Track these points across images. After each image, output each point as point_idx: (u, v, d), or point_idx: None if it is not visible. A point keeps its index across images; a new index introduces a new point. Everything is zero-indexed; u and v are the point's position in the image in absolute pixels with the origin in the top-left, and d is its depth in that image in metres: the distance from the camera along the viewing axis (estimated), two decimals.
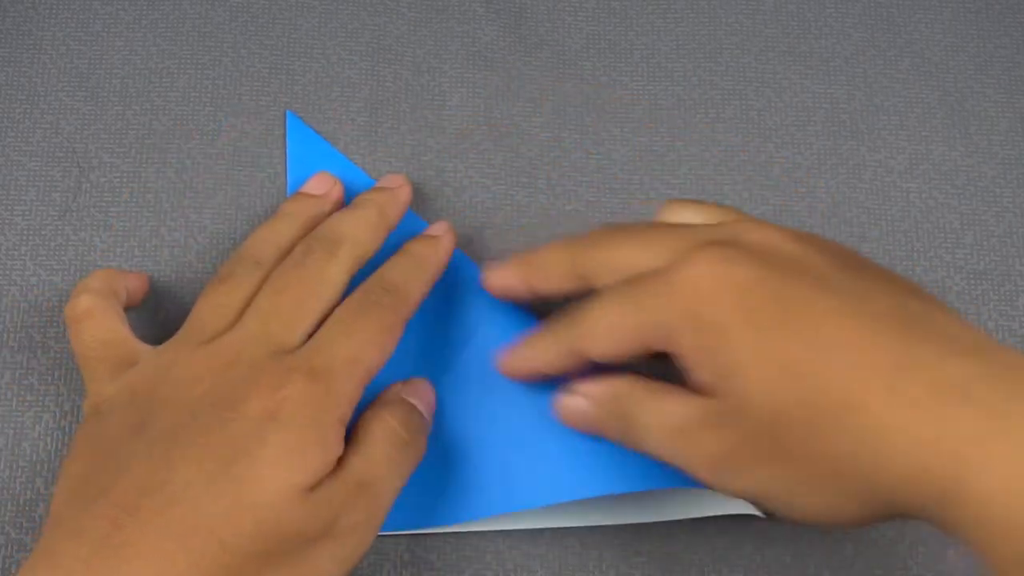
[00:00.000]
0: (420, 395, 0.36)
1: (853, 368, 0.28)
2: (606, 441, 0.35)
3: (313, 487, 0.31)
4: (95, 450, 0.32)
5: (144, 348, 0.35)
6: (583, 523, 0.37)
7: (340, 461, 0.32)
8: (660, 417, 0.32)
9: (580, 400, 0.34)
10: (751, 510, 0.37)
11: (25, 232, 0.41)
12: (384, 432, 0.34)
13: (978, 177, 0.43)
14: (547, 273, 0.36)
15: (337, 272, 0.36)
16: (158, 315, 0.40)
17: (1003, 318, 0.40)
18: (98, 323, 0.35)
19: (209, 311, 0.35)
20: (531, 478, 0.37)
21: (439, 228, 0.39)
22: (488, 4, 0.45)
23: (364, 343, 0.34)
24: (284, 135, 0.42)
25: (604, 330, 0.32)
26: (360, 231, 0.37)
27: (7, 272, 0.40)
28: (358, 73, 0.44)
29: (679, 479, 0.35)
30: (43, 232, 0.41)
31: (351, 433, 0.34)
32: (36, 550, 0.31)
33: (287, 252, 0.37)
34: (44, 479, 0.37)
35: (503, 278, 0.37)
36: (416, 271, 0.37)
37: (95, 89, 0.43)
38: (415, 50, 0.44)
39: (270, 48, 0.44)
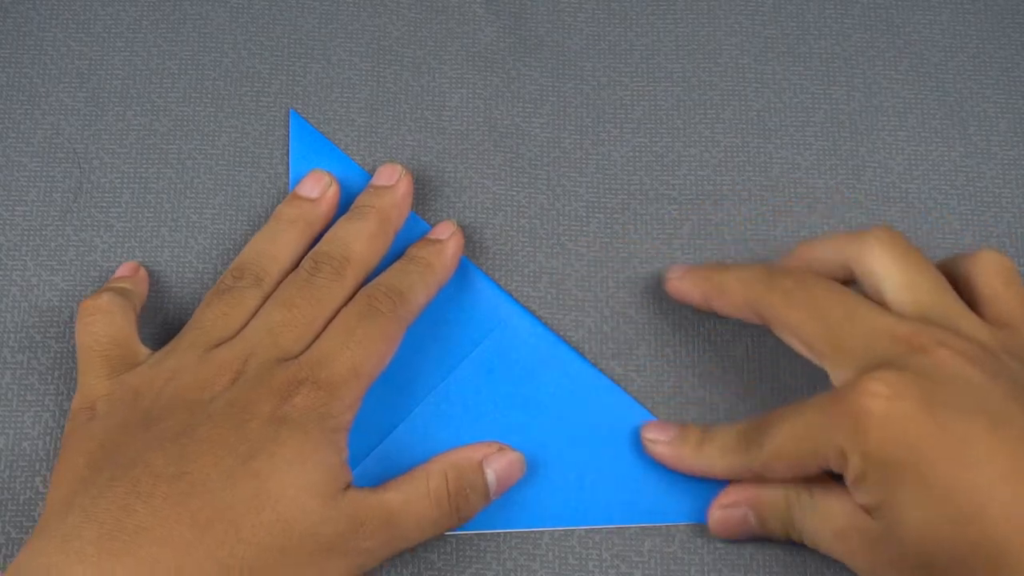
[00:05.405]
0: (501, 469, 0.36)
1: (1010, 512, 0.29)
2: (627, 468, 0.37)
3: (335, 493, 0.32)
4: (101, 445, 0.32)
5: (145, 352, 0.36)
6: (583, 523, 0.37)
7: (386, 486, 0.33)
8: (822, 520, 0.33)
9: (743, 512, 0.35)
10: None
11: (26, 232, 0.41)
12: (436, 490, 0.34)
13: (977, 177, 0.43)
14: (729, 300, 0.36)
15: (342, 289, 0.36)
16: (158, 315, 0.40)
17: None
18: (112, 320, 0.36)
19: (212, 320, 0.36)
20: (537, 497, 0.37)
21: (445, 230, 0.39)
22: (488, 4, 0.45)
23: (365, 353, 0.34)
24: (285, 135, 0.42)
25: (785, 462, 0.33)
26: (365, 247, 0.37)
27: (8, 272, 0.40)
28: (358, 74, 0.44)
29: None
30: (44, 232, 0.41)
31: (415, 468, 0.35)
32: (37, 535, 0.31)
33: (287, 264, 0.38)
34: (43, 478, 0.37)
35: (685, 290, 0.38)
36: (420, 278, 0.37)
37: (96, 90, 0.43)
38: (415, 50, 0.44)
39: (270, 49, 0.44)
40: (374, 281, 0.37)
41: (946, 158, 0.43)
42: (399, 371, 0.38)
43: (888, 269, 0.34)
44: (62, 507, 0.31)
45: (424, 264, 0.38)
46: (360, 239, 0.37)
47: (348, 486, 0.33)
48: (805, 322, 0.34)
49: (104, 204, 0.41)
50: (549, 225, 0.41)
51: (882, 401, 0.30)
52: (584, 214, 0.42)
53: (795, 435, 0.32)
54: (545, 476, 0.37)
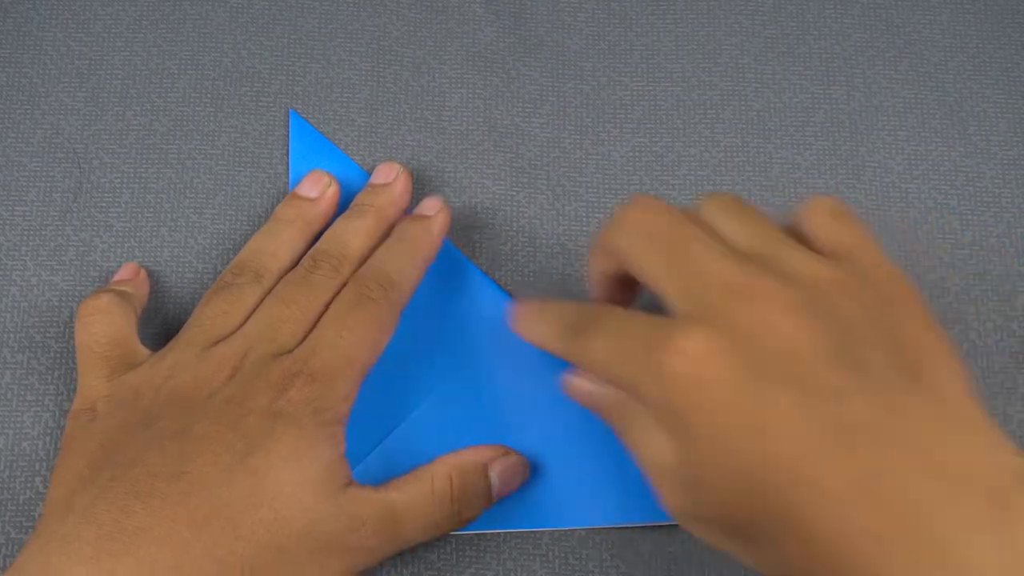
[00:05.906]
0: (505, 473, 0.36)
1: (795, 485, 0.26)
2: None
3: (335, 490, 0.32)
4: (101, 445, 0.33)
5: (145, 353, 0.36)
6: (583, 523, 0.37)
7: (388, 485, 0.33)
8: (648, 445, 0.30)
9: (585, 383, 0.33)
10: None
11: (26, 232, 0.41)
12: (440, 492, 0.34)
13: (977, 177, 0.43)
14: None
15: (340, 286, 0.36)
16: (158, 315, 0.40)
17: (1002, 318, 0.40)
18: (111, 321, 0.36)
19: (211, 318, 0.36)
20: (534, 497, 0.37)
21: (432, 206, 0.39)
22: (488, 4, 0.45)
23: (357, 341, 0.34)
24: (285, 135, 0.42)
25: (598, 365, 0.31)
26: (363, 245, 0.38)
27: (7, 272, 0.40)
28: (358, 74, 0.44)
29: None
30: (44, 232, 0.41)
31: (418, 468, 0.35)
32: (37, 535, 0.31)
33: (286, 262, 0.38)
34: (44, 479, 0.37)
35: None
36: (409, 259, 0.37)
37: (96, 90, 0.43)
38: (415, 50, 0.44)
39: (270, 49, 0.44)
40: (362, 268, 0.37)
41: (946, 158, 0.43)
42: (399, 371, 0.38)
43: (729, 220, 0.32)
44: (62, 508, 0.31)
45: (412, 243, 0.38)
46: (359, 237, 0.38)
47: (349, 483, 0.33)
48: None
49: (104, 204, 0.41)
50: (549, 225, 0.41)
51: (688, 361, 0.28)
52: (584, 214, 0.42)
53: (613, 353, 0.30)
54: (545, 476, 0.37)
